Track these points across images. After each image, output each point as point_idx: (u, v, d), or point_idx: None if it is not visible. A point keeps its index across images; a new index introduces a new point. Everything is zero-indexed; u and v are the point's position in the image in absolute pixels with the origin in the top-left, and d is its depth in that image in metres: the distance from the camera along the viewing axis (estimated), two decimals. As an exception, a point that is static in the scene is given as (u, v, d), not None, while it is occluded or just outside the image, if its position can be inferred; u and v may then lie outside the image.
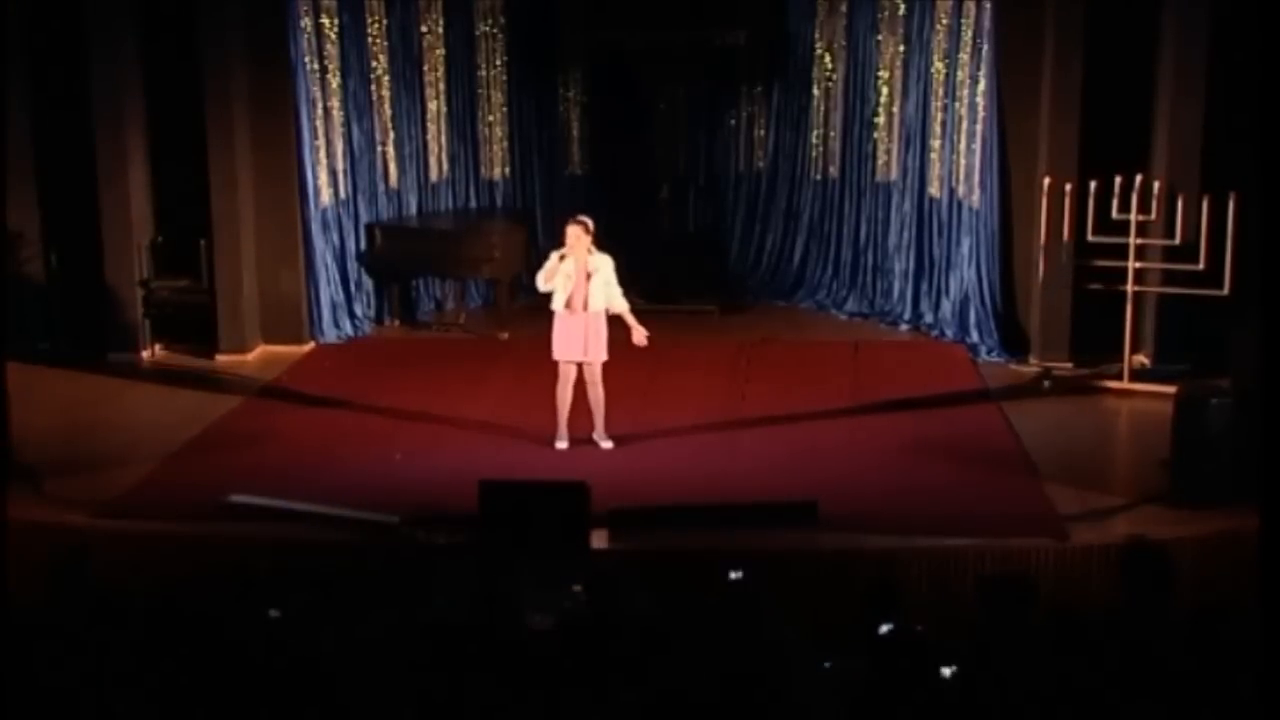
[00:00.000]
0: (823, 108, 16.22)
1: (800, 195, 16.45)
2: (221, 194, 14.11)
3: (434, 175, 16.24)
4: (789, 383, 13.22)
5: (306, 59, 14.55)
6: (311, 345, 14.60)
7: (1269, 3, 8.38)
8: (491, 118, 16.54)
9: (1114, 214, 12.84)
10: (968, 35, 14.40)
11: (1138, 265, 13.05)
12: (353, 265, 15.29)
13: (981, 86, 14.15)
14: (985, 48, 14.03)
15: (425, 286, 16.07)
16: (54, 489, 10.74)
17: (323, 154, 14.85)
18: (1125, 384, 12.96)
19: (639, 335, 11.49)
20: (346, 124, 15.16)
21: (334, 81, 14.98)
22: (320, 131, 14.79)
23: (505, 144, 16.65)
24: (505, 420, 12.05)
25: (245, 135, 14.18)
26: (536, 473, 10.84)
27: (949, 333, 14.64)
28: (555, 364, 11.39)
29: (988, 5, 13.94)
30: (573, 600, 7.63)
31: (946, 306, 14.81)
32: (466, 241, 15.36)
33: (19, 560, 7.78)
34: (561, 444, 11.43)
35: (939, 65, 14.91)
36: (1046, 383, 13.19)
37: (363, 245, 15.40)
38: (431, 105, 16.10)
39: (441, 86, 16.16)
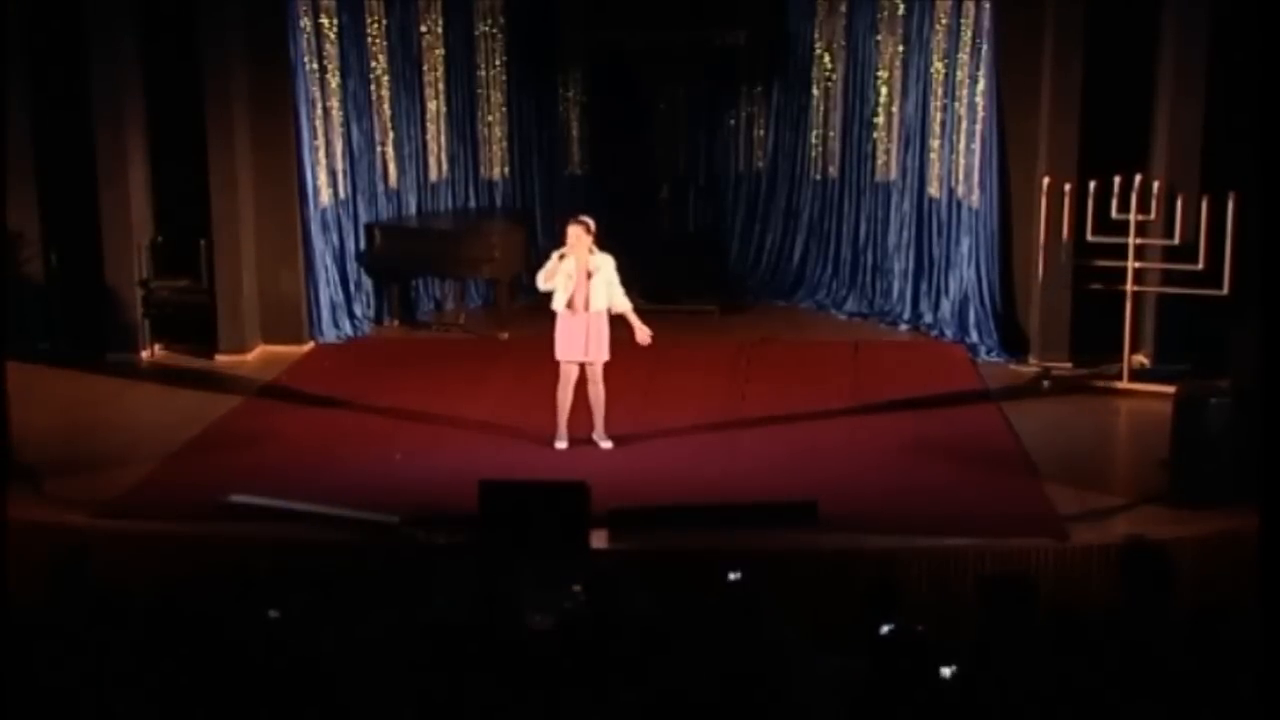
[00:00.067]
0: (822, 108, 16.21)
1: (800, 195, 16.45)
2: (221, 194, 14.11)
3: (434, 175, 16.24)
4: (789, 383, 13.22)
5: (306, 59, 14.55)
6: (311, 345, 14.60)
7: (1269, 3, 8.38)
8: (491, 118, 16.54)
9: (1114, 214, 12.84)
10: (967, 35, 14.40)
11: (1137, 265, 13.05)
12: (352, 265, 15.28)
13: (981, 86, 14.15)
14: (985, 48, 14.03)
15: (425, 286, 16.07)
16: (54, 489, 10.74)
17: (322, 154, 14.85)
18: (1125, 384, 12.95)
19: (642, 335, 11.49)
20: (346, 124, 15.16)
21: (333, 81, 14.98)
22: (320, 131, 14.79)
23: (505, 144, 16.64)
24: (505, 420, 12.05)
25: (245, 135, 14.18)
26: (536, 473, 10.84)
27: (949, 333, 14.64)
28: (555, 364, 11.39)
29: (987, 5, 13.94)
30: (573, 600, 7.63)
31: (946, 306, 14.81)
32: (466, 241, 15.36)
33: (19, 560, 7.78)
34: (561, 444, 11.43)
35: (938, 65, 14.92)
36: (1046, 383, 13.19)
37: (362, 245, 15.40)
38: (431, 105, 16.09)
39: (441, 86, 16.15)
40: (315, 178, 14.67)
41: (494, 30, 16.42)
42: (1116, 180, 12.78)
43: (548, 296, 11.42)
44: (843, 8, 15.93)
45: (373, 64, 15.44)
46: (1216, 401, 10.38)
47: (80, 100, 13.90)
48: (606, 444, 11.48)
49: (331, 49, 14.93)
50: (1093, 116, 13.34)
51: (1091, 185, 12.82)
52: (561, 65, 16.70)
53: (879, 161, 15.82)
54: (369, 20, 15.39)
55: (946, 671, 6.39)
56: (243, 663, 6.52)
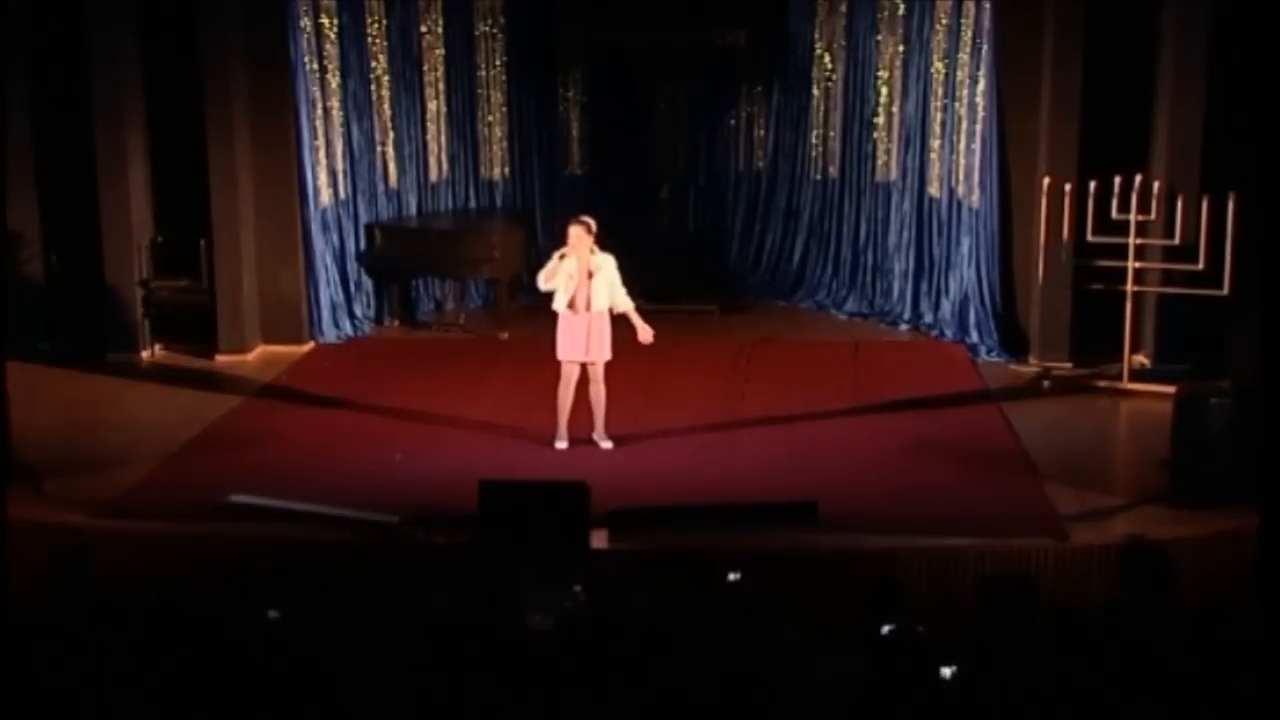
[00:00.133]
0: (822, 108, 16.22)
1: (800, 195, 16.45)
2: (221, 194, 14.11)
3: (434, 175, 16.24)
4: (789, 383, 13.22)
5: (306, 59, 14.55)
6: (311, 345, 14.60)
7: (1269, 3, 8.38)
8: (491, 118, 16.54)
9: (1114, 214, 12.84)
10: (967, 35, 14.40)
11: (1137, 265, 13.04)
12: (352, 265, 15.28)
13: (981, 86, 14.15)
14: (985, 48, 14.03)
15: (425, 286, 16.07)
16: (54, 489, 10.74)
17: (322, 154, 14.85)
18: (1125, 384, 12.95)
19: (645, 334, 11.48)
20: (346, 124, 15.16)
21: (334, 81, 14.98)
22: (320, 131, 14.79)
23: (505, 144, 16.64)
24: (505, 420, 12.05)
25: (245, 135, 14.18)
26: (536, 473, 10.84)
27: (949, 333, 14.64)
28: (555, 364, 11.39)
29: (987, 5, 13.94)
30: (573, 600, 7.62)
31: (946, 306, 14.81)
32: (466, 241, 15.36)
33: (19, 560, 7.78)
34: (561, 444, 11.43)
35: (939, 65, 14.91)
36: (1046, 383, 13.19)
37: (362, 245, 15.40)
38: (431, 105, 16.10)
39: (441, 86, 16.16)
40: (315, 178, 14.67)
41: (494, 30, 16.42)
42: (1116, 180, 12.77)
43: (548, 296, 11.42)
44: (843, 8, 15.94)
45: (373, 64, 15.44)
46: (1216, 401, 10.38)
47: (80, 100, 13.90)
48: (606, 444, 11.48)
49: (331, 49, 14.93)
50: (1093, 116, 13.34)
51: (1091, 185, 12.82)
52: (561, 65, 16.70)
53: (879, 161, 15.82)
54: (369, 20, 15.39)
55: (946, 671, 6.39)
56: (243, 663, 6.52)
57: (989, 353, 14.00)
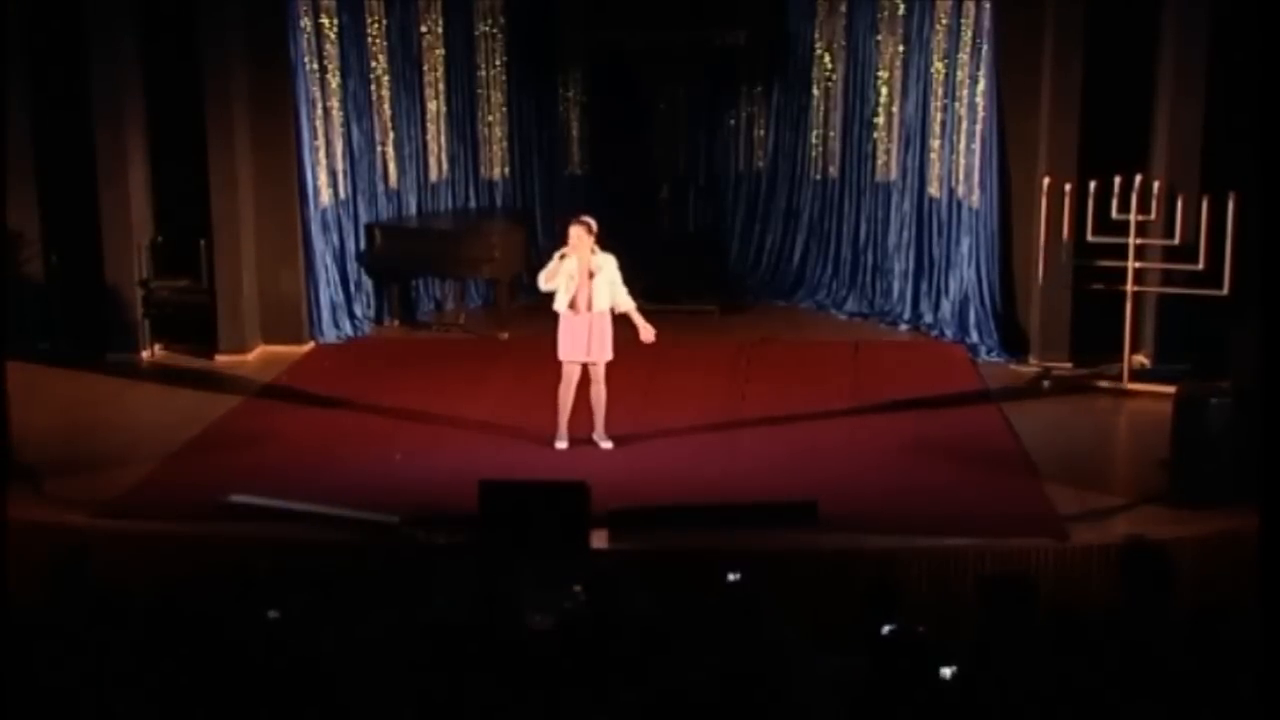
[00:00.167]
0: (823, 108, 16.22)
1: (800, 195, 16.45)
2: (221, 194, 14.11)
3: (434, 175, 16.24)
4: (789, 383, 13.22)
5: (306, 59, 14.55)
6: (311, 345, 14.60)
7: (1269, 3, 8.38)
8: (491, 118, 16.54)
9: (1114, 214, 12.83)
10: (967, 35, 14.40)
11: (1137, 265, 13.04)
12: (352, 265, 15.28)
13: (981, 86, 14.15)
14: (985, 48, 14.03)
15: (425, 286, 16.07)
16: (54, 489, 10.74)
17: (322, 154, 14.85)
18: (1125, 384, 12.95)
19: (647, 333, 11.48)
20: (346, 124, 15.16)
21: (334, 81, 14.99)
22: (320, 131, 14.79)
23: (505, 144, 16.64)
24: (505, 420, 12.05)
25: (245, 135, 14.18)
26: (536, 473, 10.84)
27: (949, 333, 14.64)
28: (555, 364, 11.39)
29: (987, 5, 13.94)
30: (573, 600, 7.63)
31: (946, 306, 14.81)
32: (466, 241, 15.36)
33: (19, 560, 7.78)
34: (561, 444, 11.43)
35: (939, 65, 14.91)
36: (1046, 383, 13.18)
37: (362, 245, 15.40)
38: (431, 105, 16.09)
39: (441, 86, 16.16)
40: (315, 178, 14.67)
41: (494, 30, 16.42)
42: (1116, 180, 12.77)
43: (548, 296, 11.42)
44: (843, 8, 15.93)
45: (373, 64, 15.44)
46: (1216, 401, 10.38)
47: (80, 100, 13.90)
48: (606, 444, 11.48)
49: (331, 49, 14.93)
50: (1093, 116, 13.34)
51: (1091, 185, 12.81)
52: (561, 65, 16.70)
53: (879, 161, 15.82)
54: (369, 20, 15.39)
55: (946, 671, 6.39)
56: (243, 663, 6.52)
57: (989, 353, 14.00)
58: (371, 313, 15.48)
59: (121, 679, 6.42)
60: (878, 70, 15.69)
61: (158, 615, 6.85)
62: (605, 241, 11.46)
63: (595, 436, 11.49)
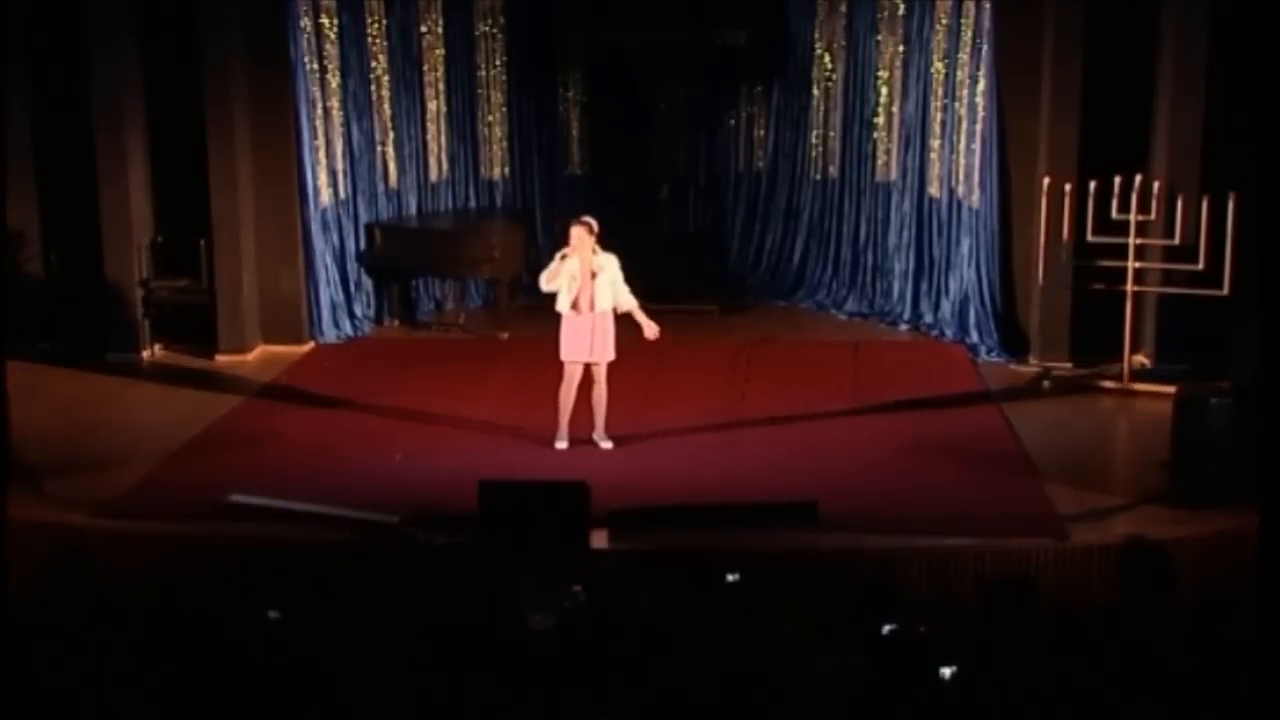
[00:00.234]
0: (823, 108, 16.21)
1: (800, 195, 16.45)
2: (221, 194, 14.11)
3: (434, 175, 16.24)
4: (789, 383, 13.22)
5: (306, 59, 14.54)
6: (311, 345, 14.60)
7: (1269, 3, 8.38)
8: (491, 118, 16.54)
9: (1114, 214, 12.83)
10: (967, 35, 14.40)
11: (1137, 265, 13.04)
12: (352, 265, 15.28)
13: (981, 86, 14.15)
14: (985, 48, 14.03)
15: (425, 286, 16.07)
16: (54, 489, 10.74)
17: (323, 154, 14.85)
18: (1125, 384, 12.95)
19: (650, 331, 11.49)
20: (346, 124, 15.16)
21: (334, 81, 14.98)
22: (320, 131, 14.79)
23: (505, 144, 16.64)
24: (505, 420, 12.05)
25: (245, 135, 14.18)
26: (536, 473, 10.84)
27: (949, 333, 14.64)
28: (555, 363, 11.39)
29: (987, 5, 13.94)
30: (573, 600, 7.63)
31: (946, 306, 14.81)
32: (466, 241, 15.36)
33: (19, 560, 7.78)
34: (561, 444, 11.43)
35: (939, 65, 14.91)
36: (1046, 383, 13.18)
37: (363, 245, 15.40)
38: (431, 105, 16.09)
39: (441, 86, 16.15)
40: (315, 178, 14.67)
41: (494, 30, 16.41)
42: (1116, 180, 12.77)
43: (548, 296, 11.42)
44: (843, 8, 15.93)
45: (373, 64, 15.44)
46: (1216, 401, 10.38)
47: (80, 100, 13.90)
48: (606, 444, 11.48)
49: (331, 49, 14.93)
50: (1093, 116, 13.34)
51: (1091, 185, 12.81)
52: (561, 65, 16.70)
53: (879, 161, 15.82)
54: (369, 20, 15.39)
55: (946, 671, 6.39)
56: (243, 663, 6.52)
57: (989, 353, 14.00)
58: (371, 313, 15.47)
59: (121, 679, 6.42)
60: (878, 70, 15.69)
61: (158, 615, 6.85)
62: (606, 241, 11.46)
63: (595, 436, 11.49)
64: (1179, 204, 12.83)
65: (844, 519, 10.16)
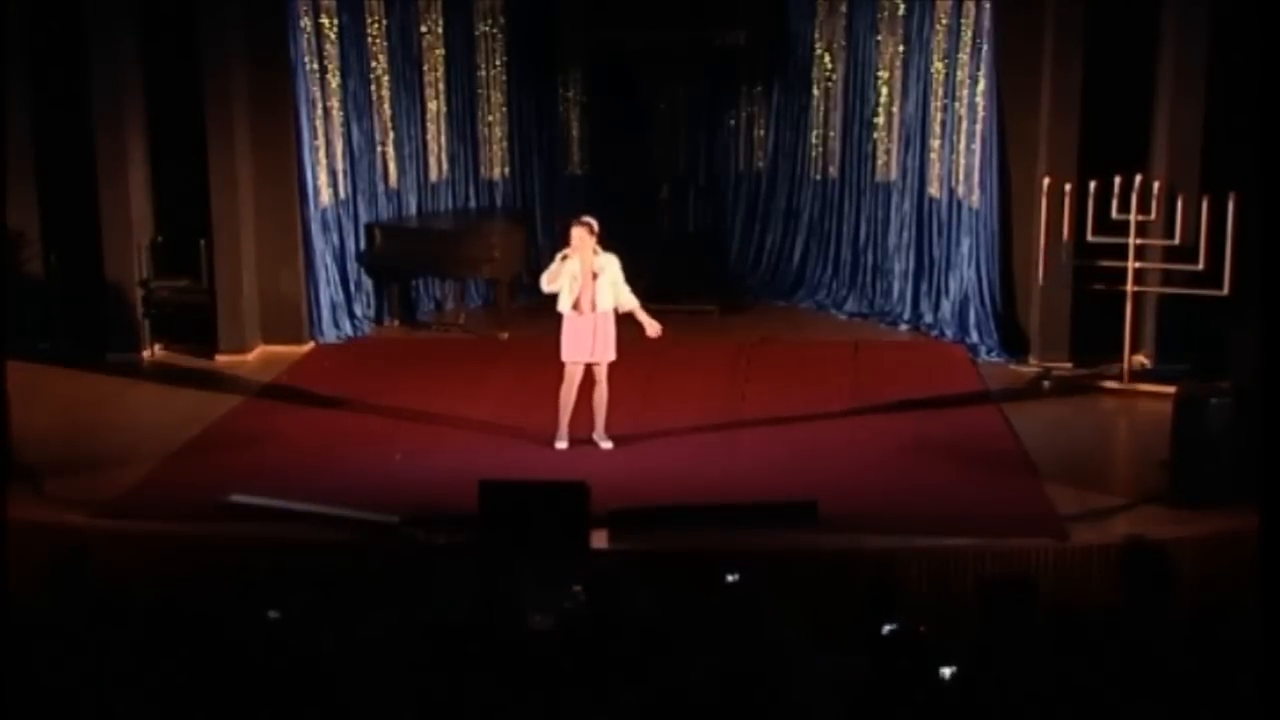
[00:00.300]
0: (823, 108, 16.21)
1: (800, 195, 16.45)
2: (221, 194, 14.11)
3: (434, 175, 16.24)
4: (789, 383, 13.22)
5: (306, 59, 14.54)
6: (311, 345, 14.60)
7: (1269, 3, 8.38)
8: (491, 118, 16.54)
9: (1114, 214, 12.83)
10: (967, 35, 14.39)
11: (1137, 265, 13.04)
12: (352, 265, 15.28)
13: (981, 86, 14.14)
14: (985, 48, 14.03)
15: (425, 286, 16.07)
16: (54, 489, 10.74)
17: (323, 154, 14.85)
18: (1125, 384, 12.95)
19: (652, 329, 11.49)
20: (346, 124, 15.16)
21: (334, 81, 14.98)
22: (320, 131, 14.79)
23: (505, 144, 16.64)
24: (505, 420, 12.05)
25: (245, 135, 14.18)
26: (536, 473, 10.84)
27: (949, 333, 14.64)
28: (555, 363, 11.39)
29: (987, 5, 13.94)
30: (573, 600, 7.63)
31: (946, 306, 14.81)
32: (466, 241, 15.36)
33: (19, 560, 7.77)
34: (561, 444, 11.43)
35: (939, 65, 14.91)
36: (1046, 383, 13.18)
37: (363, 245, 15.40)
38: (431, 105, 16.09)
39: (441, 86, 16.15)
40: (315, 178, 14.67)
41: (494, 30, 16.41)
42: (1116, 180, 12.77)
43: (548, 296, 11.42)
44: (843, 8, 15.93)
45: (373, 64, 15.44)
46: (1216, 401, 10.37)
47: (80, 100, 13.90)
48: (606, 444, 11.48)
49: (331, 49, 14.93)
50: (1093, 116, 13.34)
51: (1091, 185, 12.81)
52: (561, 65, 16.70)
53: (879, 162, 15.81)
54: (369, 20, 15.39)
55: (946, 671, 6.39)
56: (243, 663, 6.52)
57: (989, 353, 14.00)
58: (371, 313, 15.47)
59: (121, 679, 6.42)
60: (878, 70, 15.69)
61: (158, 615, 6.84)
62: (606, 241, 11.46)
63: (595, 436, 11.49)
64: (1179, 204, 12.82)
65: (844, 519, 10.15)
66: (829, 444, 11.72)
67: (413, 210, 16.07)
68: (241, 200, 14.19)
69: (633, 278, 11.58)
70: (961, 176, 14.64)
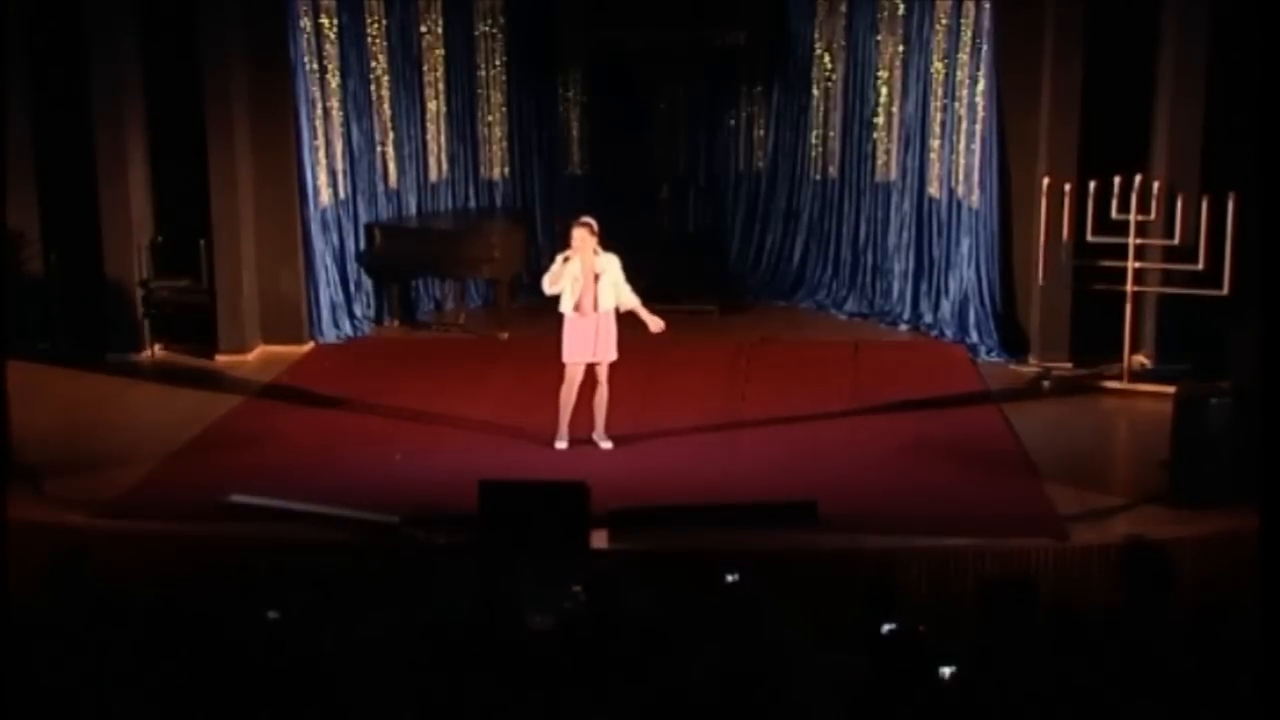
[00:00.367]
0: (822, 108, 16.22)
1: (800, 195, 16.45)
2: (221, 194, 14.12)
3: (434, 175, 16.24)
4: (789, 383, 13.22)
5: (306, 59, 14.55)
6: (311, 345, 14.60)
7: (1269, 3, 8.38)
8: (491, 118, 16.54)
9: (1114, 214, 12.84)
10: (967, 35, 14.40)
11: (1137, 265, 13.05)
12: (352, 265, 15.29)
13: (981, 86, 14.15)
14: (985, 48, 14.03)
15: (425, 286, 16.07)
16: (54, 489, 10.74)
17: (322, 154, 14.85)
18: (1125, 384, 12.95)
19: (655, 325, 11.49)
20: (346, 124, 15.16)
21: (334, 81, 14.99)
22: (320, 131, 14.79)
23: (505, 144, 16.64)
24: (505, 420, 12.05)
25: (245, 135, 14.18)
26: (536, 473, 10.84)
27: (949, 333, 14.64)
28: (555, 364, 11.39)
29: (987, 5, 13.94)
30: (573, 600, 7.63)
31: (946, 306, 14.81)
32: (466, 241, 15.36)
33: (19, 560, 7.78)
34: (561, 444, 11.43)
35: (938, 65, 14.92)
36: (1046, 383, 13.18)
37: (362, 245, 15.40)
38: (431, 105, 16.10)
39: (441, 86, 16.16)
40: (315, 178, 14.67)
41: (494, 30, 16.42)
42: (1116, 180, 12.77)
43: (548, 296, 11.42)
44: (843, 8, 15.93)
45: (373, 64, 15.44)
46: (1216, 401, 10.37)
47: (80, 100, 13.91)
48: (606, 444, 11.48)
49: (331, 49, 14.93)
50: (1093, 116, 13.34)
51: (1091, 185, 12.82)
52: (561, 65, 16.70)
53: (879, 162, 15.82)
54: (369, 20, 15.39)
55: (946, 671, 6.39)
56: (243, 663, 6.52)
57: (989, 353, 14.00)
58: (371, 313, 15.48)
59: (121, 679, 6.42)
60: (878, 70, 15.69)
61: (158, 615, 6.85)
62: (606, 241, 11.46)
63: (595, 436, 11.49)
64: (1179, 204, 12.83)
65: (844, 519, 10.16)
66: (829, 444, 11.72)
67: (413, 210, 16.07)
68: (241, 200, 14.19)
69: (633, 278, 11.58)
70: (961, 176, 14.64)
